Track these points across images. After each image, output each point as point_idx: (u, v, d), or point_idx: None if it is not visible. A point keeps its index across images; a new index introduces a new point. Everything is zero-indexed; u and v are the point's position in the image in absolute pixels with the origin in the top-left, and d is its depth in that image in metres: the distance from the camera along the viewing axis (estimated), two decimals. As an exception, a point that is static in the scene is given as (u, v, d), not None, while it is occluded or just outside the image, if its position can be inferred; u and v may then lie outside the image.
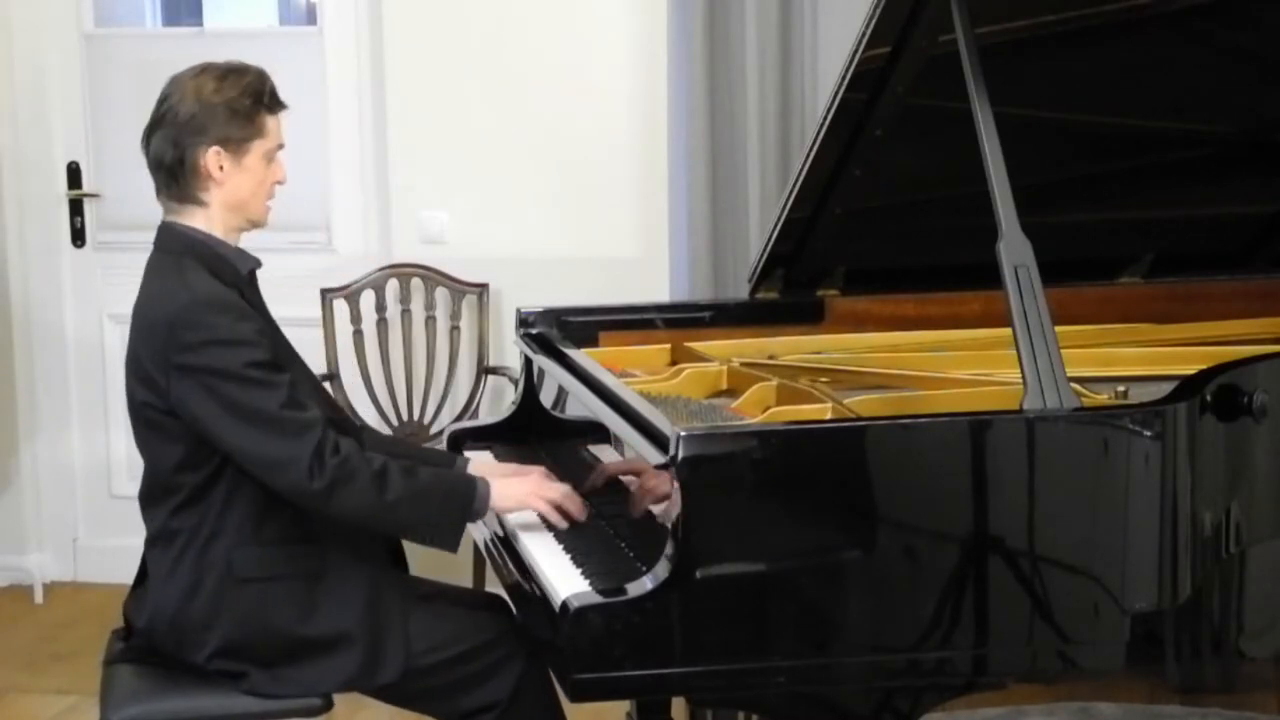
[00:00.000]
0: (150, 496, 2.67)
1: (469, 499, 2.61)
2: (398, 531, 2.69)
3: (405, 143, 4.64)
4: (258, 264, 2.70)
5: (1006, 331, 2.44)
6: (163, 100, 2.66)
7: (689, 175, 4.36)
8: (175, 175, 2.63)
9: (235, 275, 2.64)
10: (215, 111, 2.60)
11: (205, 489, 2.60)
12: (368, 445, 2.82)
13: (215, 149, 2.60)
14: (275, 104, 2.68)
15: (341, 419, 2.83)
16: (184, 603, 2.61)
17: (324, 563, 2.62)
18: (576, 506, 2.64)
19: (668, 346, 3.23)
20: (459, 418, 4.53)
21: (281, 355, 2.64)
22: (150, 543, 2.70)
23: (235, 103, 2.61)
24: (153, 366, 2.55)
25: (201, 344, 2.51)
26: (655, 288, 4.42)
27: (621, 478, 2.71)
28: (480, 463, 2.94)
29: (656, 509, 2.45)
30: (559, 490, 2.66)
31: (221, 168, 2.61)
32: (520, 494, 2.66)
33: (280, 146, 2.69)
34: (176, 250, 2.64)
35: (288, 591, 2.60)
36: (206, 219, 2.64)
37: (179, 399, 2.53)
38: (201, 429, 2.53)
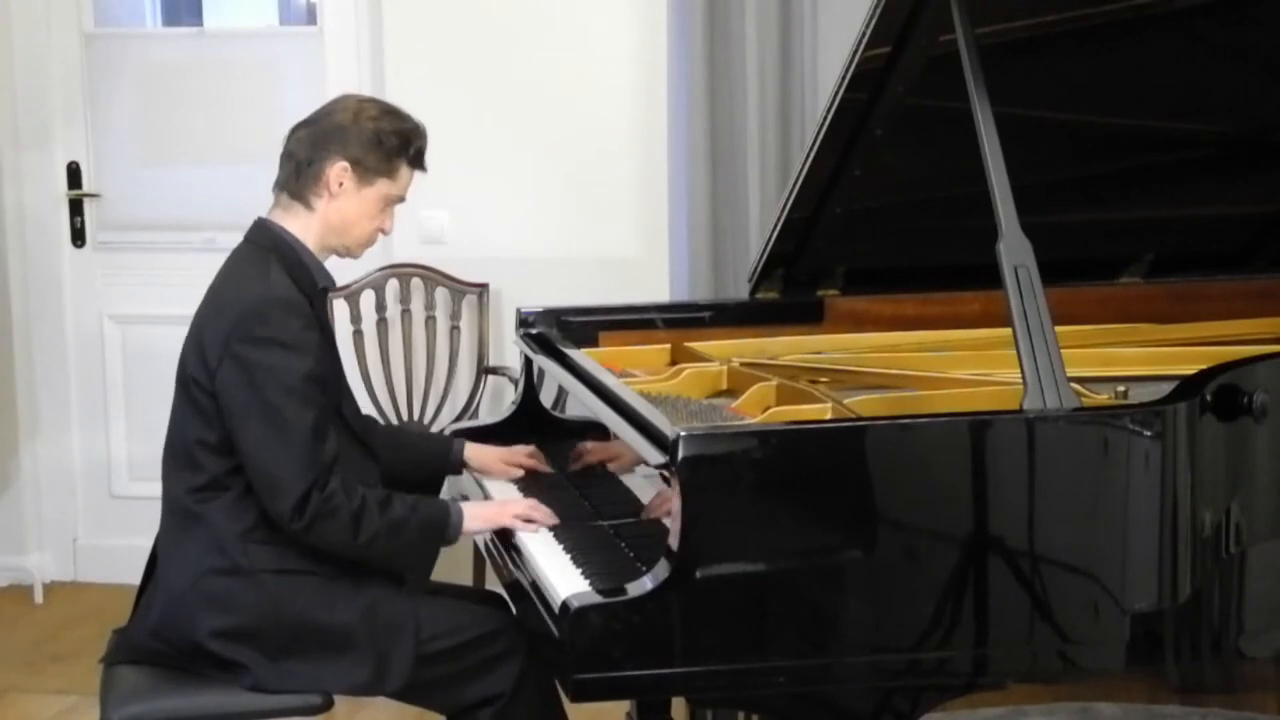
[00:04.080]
0: (171, 465, 2.71)
1: (443, 528, 2.67)
2: (370, 563, 2.67)
3: (405, 143, 4.63)
4: (332, 284, 2.76)
5: (1006, 331, 2.44)
6: (325, 106, 2.74)
7: (689, 175, 4.36)
8: (299, 172, 2.69)
9: (311, 286, 2.68)
10: (364, 133, 2.67)
11: (227, 477, 2.63)
12: (372, 436, 2.85)
13: (344, 165, 2.66)
14: (418, 161, 2.75)
15: (368, 439, 2.83)
16: (196, 583, 2.62)
17: (339, 563, 2.64)
18: (544, 514, 2.70)
19: (668, 346, 3.23)
20: (459, 418, 4.53)
21: (330, 375, 2.67)
22: (166, 516, 2.71)
23: (385, 136, 2.68)
24: (211, 346, 2.60)
25: (265, 340, 2.55)
26: (655, 288, 4.42)
27: (626, 482, 2.72)
28: (476, 447, 3.01)
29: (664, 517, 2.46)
30: (524, 503, 2.72)
31: (341, 184, 2.67)
32: (489, 514, 2.74)
33: (401, 199, 2.75)
34: (265, 245, 2.69)
35: (301, 586, 2.63)
36: (305, 226, 2.69)
37: (223, 385, 2.58)
38: (230, 419, 2.58)
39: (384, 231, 2.76)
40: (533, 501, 2.74)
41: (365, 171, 2.67)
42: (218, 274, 2.71)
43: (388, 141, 2.68)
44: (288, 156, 2.71)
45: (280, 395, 2.54)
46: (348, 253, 2.76)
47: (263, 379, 2.54)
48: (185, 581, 2.64)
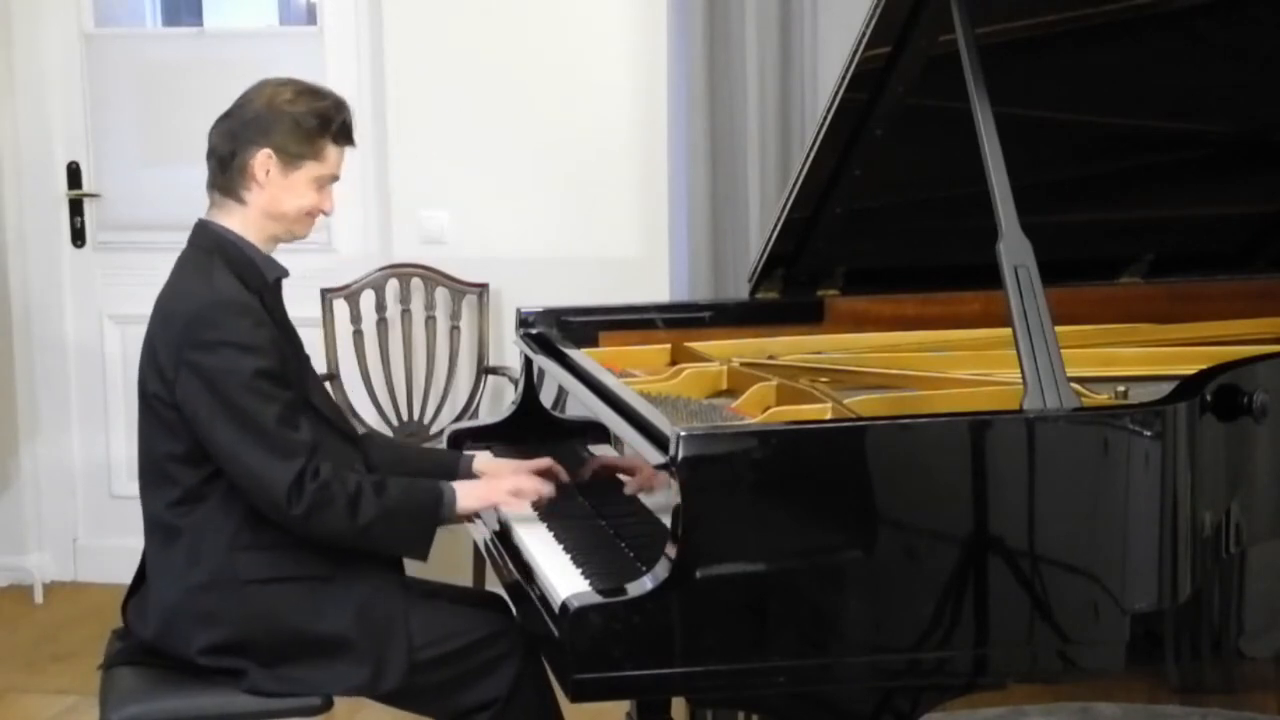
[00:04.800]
0: (146, 483, 2.70)
1: (436, 508, 2.65)
2: (371, 549, 2.66)
3: (405, 143, 4.64)
4: (284, 273, 2.73)
5: (1006, 331, 2.44)
6: (241, 96, 2.70)
7: (689, 175, 4.36)
8: (224, 168, 2.66)
9: (260, 281, 2.67)
10: (281, 119, 2.64)
11: (203, 487, 2.62)
12: (371, 451, 2.85)
13: (267, 152, 2.64)
14: (343, 136, 2.71)
15: (345, 427, 2.84)
16: (184, 599, 2.62)
17: (330, 566, 2.63)
18: (533, 484, 2.69)
19: (668, 346, 3.23)
20: (459, 418, 4.53)
21: (291, 366, 2.66)
22: (149, 534, 2.71)
23: (302, 118, 2.65)
24: (165, 359, 2.58)
25: (217, 344, 2.54)
26: (655, 288, 4.42)
27: (621, 477, 2.71)
28: (484, 460, 2.97)
29: (648, 501, 2.46)
30: (514, 482, 2.71)
31: (268, 172, 2.64)
32: (480, 492, 2.72)
33: (335, 178, 2.72)
34: (207, 248, 2.67)
35: (293, 593, 2.62)
36: (243, 220, 2.67)
37: (184, 394, 2.56)
38: (198, 427, 2.56)
39: (324, 212, 2.72)
40: (525, 473, 2.72)
41: (289, 157, 2.64)
42: (165, 283, 2.68)
43: (306, 123, 2.64)
44: (211, 153, 2.68)
45: (241, 393, 2.53)
46: (292, 237, 2.72)
47: (221, 381, 2.53)
48: (174, 599, 2.63)
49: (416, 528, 2.64)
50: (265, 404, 2.53)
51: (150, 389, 2.63)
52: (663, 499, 2.37)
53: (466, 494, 2.69)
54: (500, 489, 2.71)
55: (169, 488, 2.64)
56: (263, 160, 2.63)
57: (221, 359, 2.53)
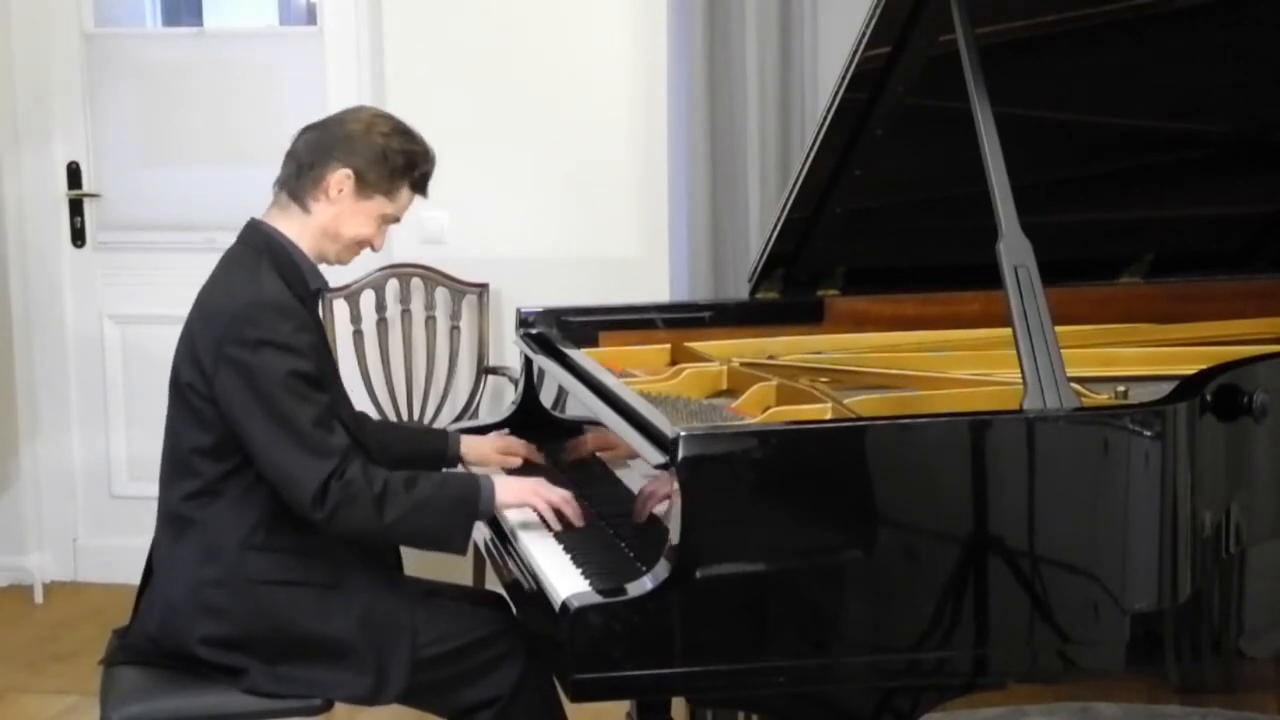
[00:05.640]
0: (166, 474, 2.71)
1: (474, 502, 2.63)
2: (401, 544, 2.70)
3: (405, 143, 4.63)
4: (326, 285, 2.77)
5: (1006, 331, 2.44)
6: (338, 113, 2.75)
7: (689, 175, 4.36)
8: (300, 173, 2.68)
9: (303, 287, 2.68)
10: (371, 146, 2.66)
11: (221, 483, 2.63)
12: (365, 432, 2.86)
13: (346, 172, 2.66)
14: (421, 185, 2.75)
15: (358, 420, 2.85)
16: (191, 592, 2.62)
17: (337, 573, 2.64)
18: (574, 512, 2.65)
19: (668, 346, 3.23)
20: (459, 418, 4.53)
21: (327, 375, 2.67)
22: (161, 526, 2.72)
23: (392, 154, 2.67)
24: (205, 352, 2.59)
25: (259, 342, 2.55)
26: (655, 288, 4.42)
27: (625, 481, 2.72)
28: (471, 440, 3.01)
29: (658, 510, 2.46)
30: (560, 494, 2.67)
31: (340, 191, 2.66)
32: (523, 490, 2.69)
33: (397, 220, 2.76)
34: (258, 247, 2.68)
35: (299, 597, 2.62)
36: (300, 228, 2.69)
37: (222, 389, 2.57)
38: (234, 422, 2.57)
39: (374, 247, 2.75)
40: (569, 495, 2.67)
41: (365, 185, 2.67)
42: (209, 277, 2.70)
43: (393, 160, 2.67)
44: (291, 156, 2.70)
45: (280, 391, 2.54)
46: (338, 260, 2.75)
47: (260, 378, 2.54)
48: (181, 592, 2.64)
49: (452, 520, 2.62)
50: (301, 404, 2.54)
51: (185, 379, 2.64)
52: (662, 499, 2.37)
53: (506, 489, 2.67)
54: (541, 496, 2.65)
55: (189, 479, 2.65)
56: (340, 178, 2.66)
57: (261, 358, 2.54)
